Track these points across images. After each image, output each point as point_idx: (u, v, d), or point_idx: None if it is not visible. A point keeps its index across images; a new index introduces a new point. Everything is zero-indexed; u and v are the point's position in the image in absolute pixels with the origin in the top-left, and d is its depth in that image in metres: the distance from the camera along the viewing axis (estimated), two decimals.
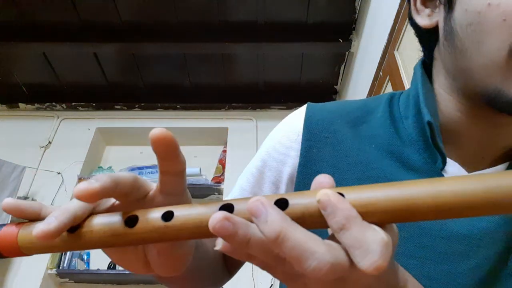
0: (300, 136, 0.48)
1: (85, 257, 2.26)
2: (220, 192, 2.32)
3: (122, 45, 2.22)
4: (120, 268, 2.19)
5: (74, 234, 0.27)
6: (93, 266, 2.22)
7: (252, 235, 0.23)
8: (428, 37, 0.44)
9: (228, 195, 0.56)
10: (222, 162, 2.45)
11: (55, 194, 2.25)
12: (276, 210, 0.23)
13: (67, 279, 2.21)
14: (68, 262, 2.15)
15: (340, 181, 0.45)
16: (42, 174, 2.30)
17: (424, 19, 0.43)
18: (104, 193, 0.25)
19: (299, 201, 0.24)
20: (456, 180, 0.23)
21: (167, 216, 0.26)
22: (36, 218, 0.29)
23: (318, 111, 0.50)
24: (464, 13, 0.36)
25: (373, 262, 0.21)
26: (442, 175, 0.42)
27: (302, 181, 0.47)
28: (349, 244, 0.22)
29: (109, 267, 2.18)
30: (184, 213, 0.26)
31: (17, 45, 2.21)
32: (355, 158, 0.46)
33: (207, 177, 2.39)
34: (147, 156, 2.52)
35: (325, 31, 2.18)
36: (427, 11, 0.43)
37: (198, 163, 2.46)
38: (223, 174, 2.39)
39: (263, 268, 0.26)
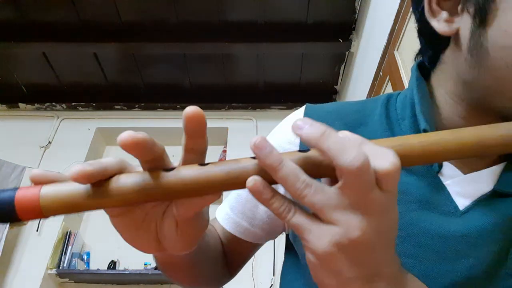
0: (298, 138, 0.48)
1: (85, 257, 2.26)
2: None
3: (122, 45, 2.22)
4: (120, 268, 2.20)
5: (100, 189, 0.26)
6: (93, 266, 2.22)
7: (284, 159, 0.26)
8: (438, 41, 0.41)
9: (228, 196, 0.56)
10: None
11: None
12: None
13: (67, 279, 2.21)
14: (68, 262, 2.15)
15: None
16: None
17: (441, 25, 0.39)
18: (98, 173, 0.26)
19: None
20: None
21: (203, 164, 0.27)
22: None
23: (317, 112, 0.50)
24: (502, 34, 0.34)
25: (355, 156, 0.24)
26: (439, 178, 0.42)
27: None
28: (332, 147, 0.25)
29: (109, 267, 2.18)
30: (219, 163, 0.27)
31: (17, 45, 2.21)
32: None
33: None
34: None
35: (325, 31, 2.18)
36: (444, 14, 0.39)
37: None
38: None
39: (280, 213, 0.27)
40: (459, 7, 0.38)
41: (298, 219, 0.26)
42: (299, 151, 0.28)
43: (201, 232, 0.32)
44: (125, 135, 0.25)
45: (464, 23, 0.38)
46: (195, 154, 0.29)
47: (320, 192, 0.25)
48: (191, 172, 0.27)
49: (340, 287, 0.27)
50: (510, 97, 0.36)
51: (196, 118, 0.27)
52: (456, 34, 0.38)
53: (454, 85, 0.41)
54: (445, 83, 0.43)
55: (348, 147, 0.24)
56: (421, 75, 0.45)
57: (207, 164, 0.27)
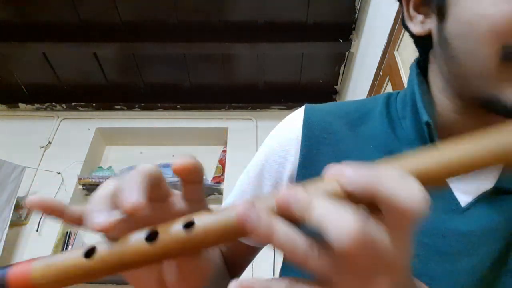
0: (300, 137, 0.49)
1: None
2: (220, 192, 2.32)
3: (122, 45, 2.22)
4: None
5: (92, 259, 0.25)
6: None
7: (275, 224, 0.23)
8: (423, 42, 0.44)
9: (228, 197, 0.56)
10: (222, 162, 2.45)
11: (55, 194, 2.25)
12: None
13: None
14: None
15: None
16: (42, 174, 2.30)
17: (416, 26, 0.43)
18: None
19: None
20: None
21: (188, 225, 0.25)
22: (60, 212, 0.28)
23: (317, 112, 0.50)
24: (456, 23, 0.37)
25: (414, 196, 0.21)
26: None
27: (302, 182, 0.47)
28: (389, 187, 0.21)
29: None
30: (205, 219, 0.25)
31: (17, 45, 2.21)
32: (354, 158, 0.46)
33: (207, 177, 2.39)
34: (147, 156, 2.52)
35: (325, 31, 2.18)
36: (420, 17, 0.43)
37: None
38: (223, 174, 2.39)
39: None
40: (430, 10, 0.42)
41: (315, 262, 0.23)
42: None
43: (206, 273, 0.31)
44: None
45: (433, 23, 0.41)
46: (193, 184, 0.29)
47: (323, 257, 0.22)
48: (175, 241, 0.25)
49: None
50: (476, 84, 0.38)
51: (188, 170, 0.26)
52: (430, 33, 0.42)
53: (440, 81, 0.44)
54: (434, 79, 0.45)
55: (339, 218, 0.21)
56: (421, 73, 0.47)
57: (191, 225, 0.25)
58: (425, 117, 0.42)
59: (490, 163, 0.25)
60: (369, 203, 0.22)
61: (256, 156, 0.54)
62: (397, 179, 0.21)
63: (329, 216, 0.21)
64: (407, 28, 0.45)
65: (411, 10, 0.43)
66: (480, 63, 0.36)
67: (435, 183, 0.24)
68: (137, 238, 0.25)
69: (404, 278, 0.24)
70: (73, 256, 0.25)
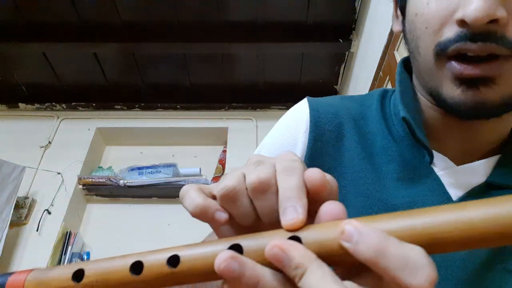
0: (308, 128, 0.49)
1: (85, 257, 2.26)
2: None
3: (122, 45, 2.22)
4: None
5: (80, 284, 0.26)
6: None
7: (262, 276, 0.21)
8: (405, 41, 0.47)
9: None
10: (222, 162, 2.45)
11: (55, 194, 2.25)
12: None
13: None
14: (68, 262, 2.15)
15: (340, 175, 0.46)
16: (42, 174, 2.30)
17: (396, 25, 0.47)
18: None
19: (315, 236, 0.22)
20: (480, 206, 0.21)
21: (173, 261, 0.25)
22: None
23: (322, 105, 0.51)
24: (407, 22, 0.41)
25: (427, 275, 0.19)
26: (432, 168, 0.43)
27: None
28: (394, 266, 0.19)
29: None
30: (190, 255, 0.24)
31: (17, 45, 2.21)
32: (355, 152, 0.48)
33: (207, 177, 2.39)
34: (147, 156, 2.52)
35: (325, 31, 2.18)
36: (401, 17, 0.46)
37: (198, 163, 2.47)
38: (223, 174, 2.39)
39: None
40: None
41: None
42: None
43: None
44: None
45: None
46: None
47: None
48: (159, 276, 0.25)
49: None
50: (426, 79, 0.40)
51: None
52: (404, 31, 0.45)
53: (415, 78, 0.47)
54: (414, 78, 0.48)
55: (415, 267, 0.19)
56: (405, 71, 0.50)
57: (177, 259, 0.25)
58: (402, 113, 0.43)
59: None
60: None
61: (260, 148, 0.54)
62: (405, 259, 0.19)
63: None
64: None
65: (397, 11, 0.46)
66: (424, 58, 0.38)
67: (444, 250, 0.21)
68: (124, 264, 0.26)
69: None
70: (64, 277, 0.26)
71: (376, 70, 1.80)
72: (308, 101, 0.51)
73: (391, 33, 1.61)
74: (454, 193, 0.41)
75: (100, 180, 2.28)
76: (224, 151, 2.51)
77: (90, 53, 2.29)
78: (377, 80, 1.81)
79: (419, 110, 0.45)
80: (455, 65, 0.35)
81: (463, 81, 0.35)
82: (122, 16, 2.12)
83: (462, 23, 0.34)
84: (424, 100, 0.45)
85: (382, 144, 0.46)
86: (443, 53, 0.36)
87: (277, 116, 0.57)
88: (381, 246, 0.20)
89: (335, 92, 2.63)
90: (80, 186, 2.31)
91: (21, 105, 2.62)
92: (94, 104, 2.61)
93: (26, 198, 2.20)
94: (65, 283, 0.26)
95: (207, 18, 2.13)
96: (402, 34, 0.45)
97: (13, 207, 1.97)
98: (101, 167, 2.52)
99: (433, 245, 0.20)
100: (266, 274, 0.21)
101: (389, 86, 1.69)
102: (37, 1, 2.03)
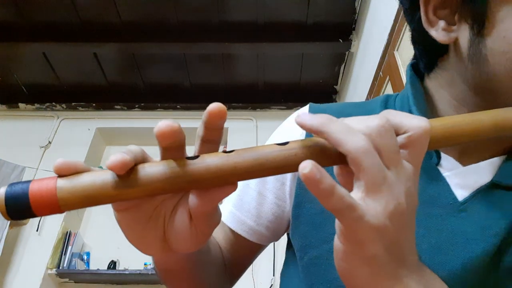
0: (304, 134, 0.49)
1: (85, 257, 2.26)
2: None
3: (122, 45, 2.22)
4: (120, 268, 2.20)
5: (125, 179, 0.24)
6: (93, 266, 2.22)
7: (337, 186, 0.24)
8: (436, 49, 0.42)
9: (230, 195, 0.56)
10: None
11: None
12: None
13: (67, 279, 2.21)
14: (68, 262, 2.15)
15: None
16: (42, 174, 2.30)
17: (440, 34, 0.39)
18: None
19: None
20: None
21: (228, 151, 0.26)
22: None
23: (323, 110, 0.50)
24: (501, 41, 0.36)
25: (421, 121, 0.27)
26: (438, 170, 0.43)
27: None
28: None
29: (109, 267, 2.18)
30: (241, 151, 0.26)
31: (17, 45, 2.21)
32: None
33: None
34: None
35: (325, 31, 2.18)
36: (442, 23, 0.39)
37: None
38: None
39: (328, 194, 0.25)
40: (456, 17, 0.39)
41: (347, 198, 0.25)
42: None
43: (214, 227, 0.31)
44: (163, 126, 0.25)
45: (462, 32, 0.38)
46: (210, 143, 0.29)
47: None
48: (217, 159, 0.26)
49: (372, 277, 0.26)
50: (510, 101, 0.37)
51: (220, 115, 0.27)
52: (455, 42, 0.39)
53: (459, 89, 0.42)
54: (448, 87, 0.43)
55: (351, 131, 0.25)
56: (415, 75, 0.47)
57: (231, 151, 0.26)
58: (415, 114, 0.42)
59: (489, 132, 0.30)
60: None
61: None
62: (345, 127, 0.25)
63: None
64: (421, 33, 0.41)
65: (430, 15, 0.40)
66: None
67: (436, 145, 0.29)
68: (172, 162, 0.26)
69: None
70: (102, 178, 0.24)
71: (376, 70, 1.80)
72: (310, 107, 0.51)
73: (391, 33, 1.61)
74: (460, 194, 0.41)
75: None
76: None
77: (90, 53, 2.29)
78: (377, 80, 1.81)
79: (428, 113, 0.44)
80: None
81: None
82: (122, 16, 2.12)
83: None
84: (456, 109, 0.43)
85: None
86: None
87: (277, 116, 0.57)
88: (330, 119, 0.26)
89: (335, 92, 2.63)
90: None
91: (21, 105, 2.62)
92: (94, 104, 2.61)
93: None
94: (103, 183, 0.24)
95: (207, 18, 2.13)
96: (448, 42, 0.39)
97: None
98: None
99: (448, 137, 0.29)
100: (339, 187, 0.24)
101: (389, 86, 1.69)
102: (37, 1, 2.03)
